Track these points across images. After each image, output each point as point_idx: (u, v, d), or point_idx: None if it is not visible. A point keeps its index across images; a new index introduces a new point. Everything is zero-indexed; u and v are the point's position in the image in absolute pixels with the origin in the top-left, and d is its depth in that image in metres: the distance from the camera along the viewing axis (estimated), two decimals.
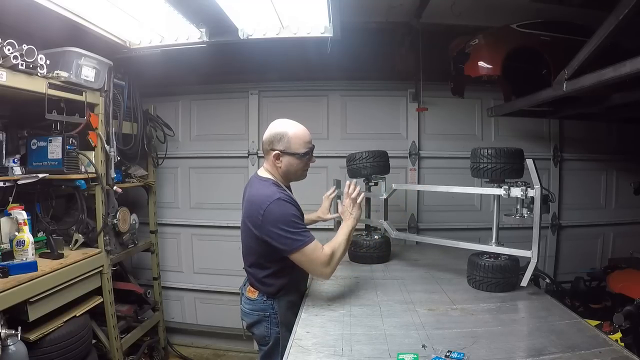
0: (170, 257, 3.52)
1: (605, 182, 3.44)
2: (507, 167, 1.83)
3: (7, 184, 2.15)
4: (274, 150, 1.68)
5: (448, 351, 1.26)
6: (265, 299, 1.71)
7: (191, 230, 3.48)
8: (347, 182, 1.80)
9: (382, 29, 3.14)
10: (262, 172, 1.76)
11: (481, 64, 2.52)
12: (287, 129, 1.68)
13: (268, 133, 1.71)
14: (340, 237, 1.69)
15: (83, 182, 2.38)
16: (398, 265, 2.33)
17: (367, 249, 2.34)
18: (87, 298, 2.38)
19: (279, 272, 1.68)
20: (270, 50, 2.93)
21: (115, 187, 2.59)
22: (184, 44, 2.50)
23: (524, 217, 1.81)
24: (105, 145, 2.52)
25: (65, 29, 2.16)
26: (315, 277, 1.73)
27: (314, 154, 1.77)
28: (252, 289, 1.75)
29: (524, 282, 1.79)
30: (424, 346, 1.32)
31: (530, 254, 1.75)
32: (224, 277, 3.39)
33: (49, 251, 2.25)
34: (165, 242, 3.49)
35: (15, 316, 1.87)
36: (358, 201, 1.77)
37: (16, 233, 2.12)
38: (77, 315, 2.22)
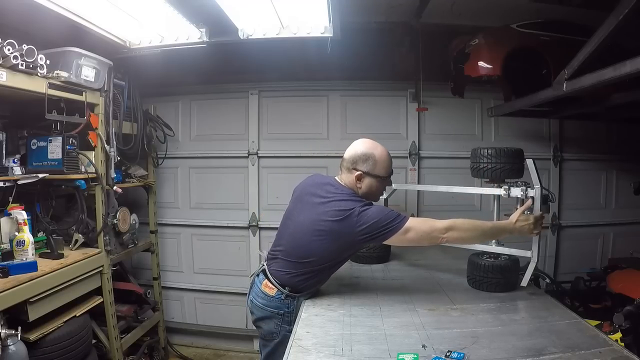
0: (170, 257, 3.52)
1: (605, 182, 3.44)
2: (507, 167, 1.83)
3: (7, 184, 2.15)
4: (357, 170, 1.69)
5: (448, 351, 1.26)
6: (283, 298, 1.69)
7: (191, 230, 3.48)
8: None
9: (382, 29, 3.14)
10: (343, 183, 1.74)
11: (481, 64, 2.52)
12: (374, 151, 1.70)
13: (353, 151, 1.72)
14: (485, 223, 1.64)
15: (83, 182, 2.38)
16: (398, 265, 2.33)
17: (367, 249, 2.33)
18: (87, 298, 2.38)
19: (322, 276, 1.71)
20: (270, 50, 2.93)
21: (115, 187, 2.59)
22: (184, 44, 2.50)
23: None
24: (105, 145, 2.52)
25: (66, 29, 2.16)
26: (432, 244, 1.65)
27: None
28: (270, 284, 1.71)
29: (524, 282, 1.79)
30: (424, 346, 1.31)
31: (530, 254, 1.75)
32: (224, 277, 3.40)
33: (49, 251, 2.25)
34: (165, 242, 3.49)
35: (15, 316, 1.87)
36: (538, 229, 1.67)
37: (16, 233, 2.12)
38: (77, 315, 2.22)
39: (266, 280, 1.73)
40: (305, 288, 1.71)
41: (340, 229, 1.58)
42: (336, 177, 1.78)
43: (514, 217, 1.65)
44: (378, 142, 1.75)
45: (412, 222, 1.57)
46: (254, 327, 1.85)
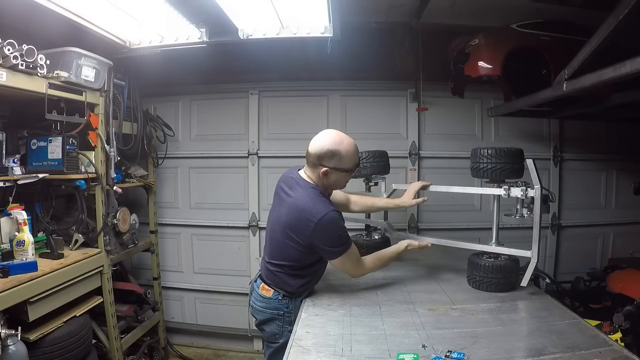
0: (170, 257, 3.52)
1: (605, 182, 3.44)
2: (507, 167, 1.82)
3: (7, 184, 2.15)
4: (323, 166, 1.66)
5: (448, 351, 1.26)
6: (280, 298, 1.71)
7: (191, 230, 3.48)
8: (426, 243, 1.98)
9: (382, 29, 3.15)
10: (306, 177, 1.73)
11: (481, 64, 2.52)
12: (339, 147, 1.64)
13: (318, 147, 1.66)
14: (388, 254, 1.89)
15: (83, 182, 2.38)
16: (398, 265, 2.32)
17: (367, 249, 2.34)
18: (87, 298, 2.38)
19: (306, 275, 1.71)
20: (270, 50, 2.94)
21: (115, 187, 2.59)
22: (184, 44, 2.51)
23: (524, 217, 1.80)
24: (105, 145, 2.52)
25: (66, 29, 2.16)
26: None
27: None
28: (266, 287, 1.73)
29: (524, 282, 1.79)
30: (424, 346, 1.31)
31: (530, 254, 1.75)
32: (224, 277, 3.40)
33: (49, 251, 2.25)
34: (165, 242, 3.49)
35: (15, 316, 1.87)
36: (422, 248, 1.97)
37: (16, 233, 2.12)
38: (77, 315, 2.22)
39: (262, 283, 1.75)
40: (298, 291, 1.72)
41: (296, 235, 1.61)
42: (299, 172, 1.76)
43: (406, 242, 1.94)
44: (344, 134, 1.70)
45: (346, 257, 1.68)
46: (255, 329, 1.86)
